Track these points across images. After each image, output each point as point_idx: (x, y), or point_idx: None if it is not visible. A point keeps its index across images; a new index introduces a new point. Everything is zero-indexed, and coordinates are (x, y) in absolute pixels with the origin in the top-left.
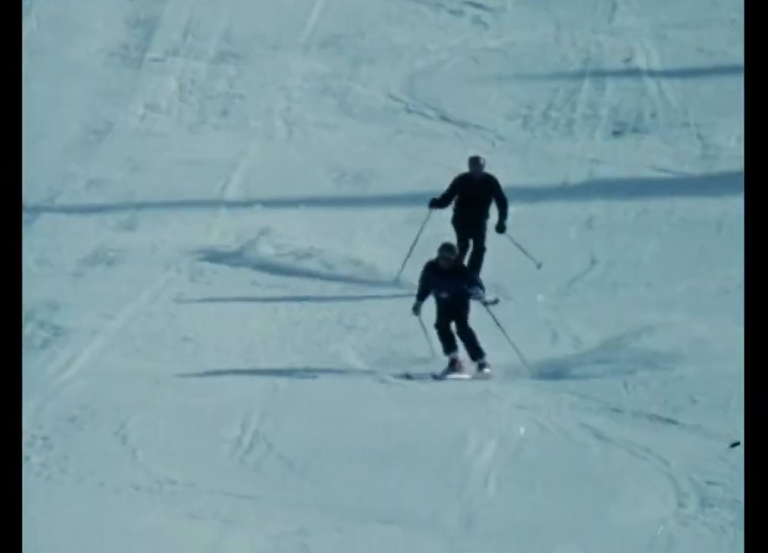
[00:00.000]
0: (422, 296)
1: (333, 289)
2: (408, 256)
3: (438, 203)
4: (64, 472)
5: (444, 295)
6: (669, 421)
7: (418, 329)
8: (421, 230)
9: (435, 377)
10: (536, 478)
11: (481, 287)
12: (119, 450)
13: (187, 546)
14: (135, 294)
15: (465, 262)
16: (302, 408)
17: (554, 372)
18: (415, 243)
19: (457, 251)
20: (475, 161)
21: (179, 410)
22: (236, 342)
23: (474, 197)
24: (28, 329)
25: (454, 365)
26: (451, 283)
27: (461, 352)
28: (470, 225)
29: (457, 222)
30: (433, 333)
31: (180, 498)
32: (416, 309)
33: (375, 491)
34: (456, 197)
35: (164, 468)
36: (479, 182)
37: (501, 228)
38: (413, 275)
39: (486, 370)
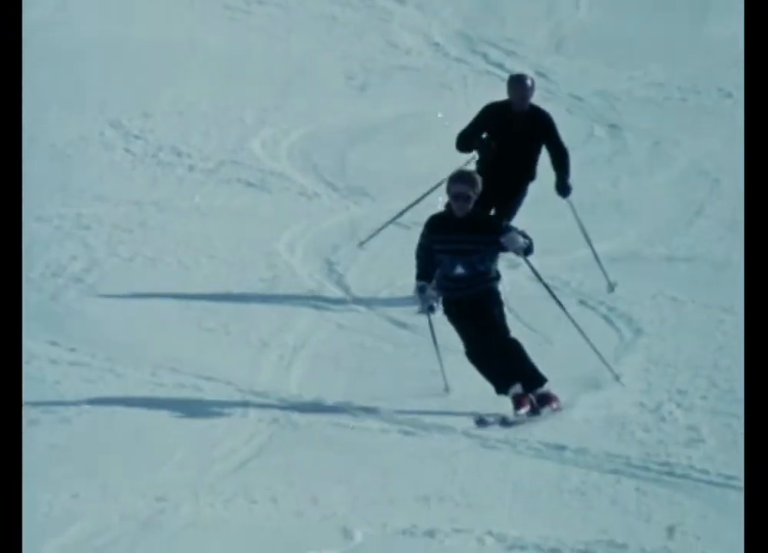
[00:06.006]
0: (425, 274)
1: None
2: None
3: (463, 143)
4: None
5: (459, 270)
6: None
7: None
8: (423, 197)
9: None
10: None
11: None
12: None
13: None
14: None
15: None
16: None
17: None
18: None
19: (480, 182)
20: (518, 82)
21: None
22: None
23: (515, 141)
24: None
25: (520, 402)
26: (475, 244)
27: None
28: (504, 184)
29: (486, 177)
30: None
31: None
32: (425, 298)
33: None
34: (486, 139)
35: None
36: (524, 118)
37: (564, 189)
38: None
39: (552, 407)
